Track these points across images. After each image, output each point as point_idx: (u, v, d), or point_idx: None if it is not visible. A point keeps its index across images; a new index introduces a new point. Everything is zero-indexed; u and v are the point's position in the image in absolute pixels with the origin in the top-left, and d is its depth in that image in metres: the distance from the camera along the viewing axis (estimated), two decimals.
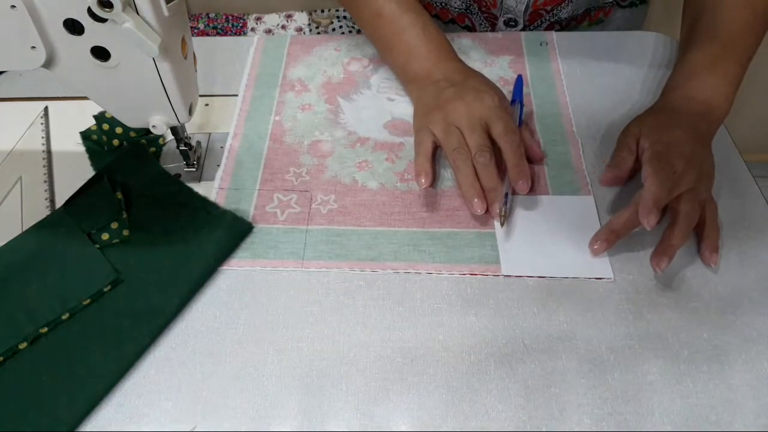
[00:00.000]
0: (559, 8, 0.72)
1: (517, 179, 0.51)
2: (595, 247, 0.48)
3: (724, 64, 0.55)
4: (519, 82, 0.61)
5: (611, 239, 0.48)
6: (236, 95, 0.63)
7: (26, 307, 0.45)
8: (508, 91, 0.62)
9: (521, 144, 0.52)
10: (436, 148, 0.55)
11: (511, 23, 0.73)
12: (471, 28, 0.77)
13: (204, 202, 0.53)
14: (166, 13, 0.41)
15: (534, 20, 0.73)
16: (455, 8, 0.76)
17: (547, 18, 0.73)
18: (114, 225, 0.50)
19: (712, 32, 0.56)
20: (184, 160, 0.56)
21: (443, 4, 0.76)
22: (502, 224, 0.50)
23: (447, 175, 0.55)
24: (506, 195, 0.51)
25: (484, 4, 0.73)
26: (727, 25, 0.56)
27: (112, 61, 0.43)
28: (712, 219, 0.49)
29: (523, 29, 0.73)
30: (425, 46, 0.59)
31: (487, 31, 0.76)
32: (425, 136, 0.54)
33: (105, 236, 0.49)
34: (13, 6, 0.39)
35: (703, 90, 0.54)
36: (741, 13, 0.56)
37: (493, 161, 0.51)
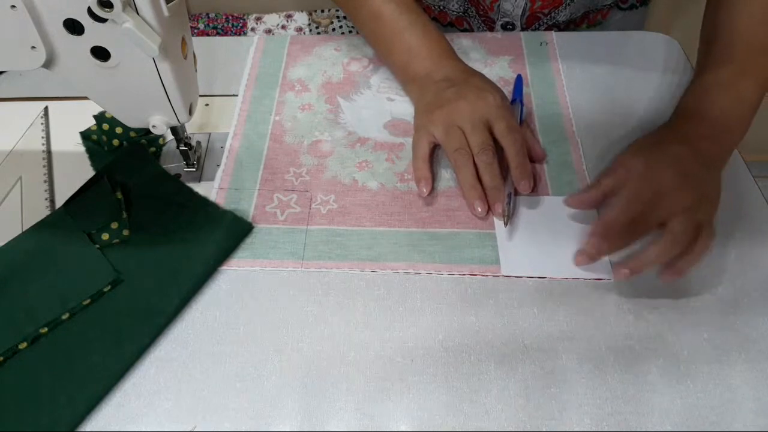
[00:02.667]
0: (556, 12, 0.72)
1: (520, 179, 0.51)
2: (579, 259, 0.47)
3: (739, 85, 0.52)
4: (519, 81, 0.61)
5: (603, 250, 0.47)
6: (236, 95, 0.63)
7: (26, 307, 0.45)
8: (508, 91, 0.62)
9: (524, 143, 0.52)
10: (434, 148, 0.55)
11: (508, 27, 0.73)
12: (469, 32, 0.77)
13: (204, 202, 0.53)
14: (166, 13, 0.41)
15: (531, 23, 0.73)
16: (453, 11, 0.76)
17: (545, 21, 0.73)
18: (114, 225, 0.50)
19: (729, 53, 0.54)
20: (184, 160, 0.56)
21: (441, 7, 0.76)
22: (505, 224, 0.50)
23: (447, 174, 0.55)
24: (509, 194, 0.50)
25: (481, 7, 0.73)
26: (744, 45, 0.54)
27: (112, 61, 0.43)
28: (700, 247, 0.45)
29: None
30: (426, 46, 0.59)
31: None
32: (422, 137, 0.54)
33: (105, 236, 0.49)
34: (13, 6, 0.39)
35: (715, 110, 0.52)
36: (758, 32, 0.54)
37: (496, 160, 0.51)
